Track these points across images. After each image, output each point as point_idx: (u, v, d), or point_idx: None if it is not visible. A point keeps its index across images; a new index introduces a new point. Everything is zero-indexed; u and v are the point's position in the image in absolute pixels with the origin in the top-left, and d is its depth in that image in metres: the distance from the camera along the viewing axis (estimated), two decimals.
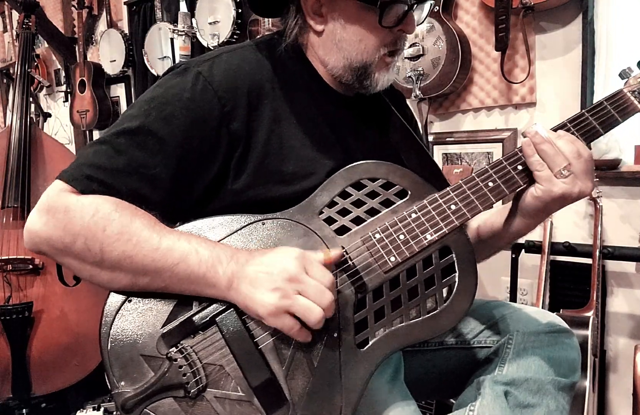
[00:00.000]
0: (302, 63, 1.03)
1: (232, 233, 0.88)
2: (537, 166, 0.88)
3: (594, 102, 0.99)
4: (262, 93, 0.95)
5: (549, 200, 0.88)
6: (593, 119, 0.93)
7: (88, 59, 3.48)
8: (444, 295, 0.86)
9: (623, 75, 0.99)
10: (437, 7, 2.12)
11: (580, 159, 0.87)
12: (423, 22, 1.05)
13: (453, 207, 0.89)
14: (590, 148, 0.92)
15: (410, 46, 2.16)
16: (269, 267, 0.80)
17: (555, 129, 0.92)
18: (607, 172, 1.92)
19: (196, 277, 0.82)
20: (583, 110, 0.94)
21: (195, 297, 0.85)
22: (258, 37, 1.10)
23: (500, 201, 0.93)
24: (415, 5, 0.96)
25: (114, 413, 2.35)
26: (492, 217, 1.07)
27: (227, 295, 0.82)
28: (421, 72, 2.15)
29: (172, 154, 0.89)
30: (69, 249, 0.83)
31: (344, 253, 0.86)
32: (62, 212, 0.83)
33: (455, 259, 0.87)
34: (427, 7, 1.02)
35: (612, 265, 1.99)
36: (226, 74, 0.94)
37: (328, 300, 0.79)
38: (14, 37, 3.98)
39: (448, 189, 0.91)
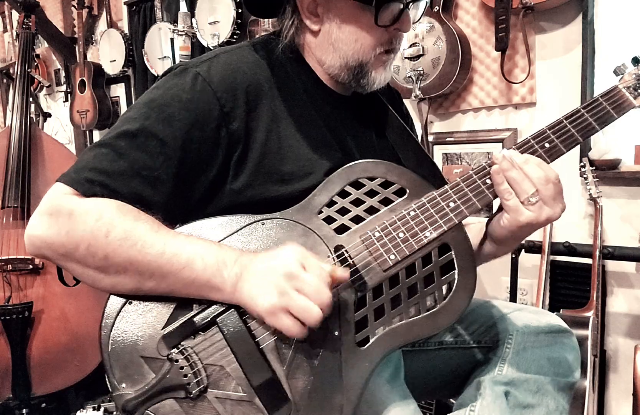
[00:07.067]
0: (300, 63, 1.03)
1: (232, 233, 0.88)
2: (506, 195, 0.88)
3: None
4: (260, 93, 0.95)
5: (515, 229, 0.89)
6: (589, 115, 0.94)
7: (88, 59, 3.47)
8: (444, 292, 0.87)
9: (618, 71, 1.01)
10: (437, 7, 2.12)
11: (549, 184, 0.87)
12: (419, 20, 1.05)
13: (452, 204, 0.90)
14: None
15: (410, 46, 2.16)
16: (269, 266, 0.80)
17: (531, 142, 0.92)
18: (607, 172, 1.92)
19: (201, 281, 0.82)
20: (579, 106, 0.95)
21: (196, 299, 0.84)
22: (255, 37, 1.10)
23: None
24: (410, 4, 0.96)
25: (114, 413, 2.35)
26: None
27: (233, 298, 0.82)
28: (421, 72, 2.15)
29: (173, 156, 0.88)
30: (72, 254, 0.83)
31: (349, 275, 0.85)
32: (65, 216, 0.82)
33: (454, 256, 0.87)
34: (422, 5, 1.02)
35: (612, 265, 1.99)
36: (224, 74, 0.93)
37: (325, 298, 0.78)
38: (14, 37, 3.98)
39: (446, 186, 0.91)
